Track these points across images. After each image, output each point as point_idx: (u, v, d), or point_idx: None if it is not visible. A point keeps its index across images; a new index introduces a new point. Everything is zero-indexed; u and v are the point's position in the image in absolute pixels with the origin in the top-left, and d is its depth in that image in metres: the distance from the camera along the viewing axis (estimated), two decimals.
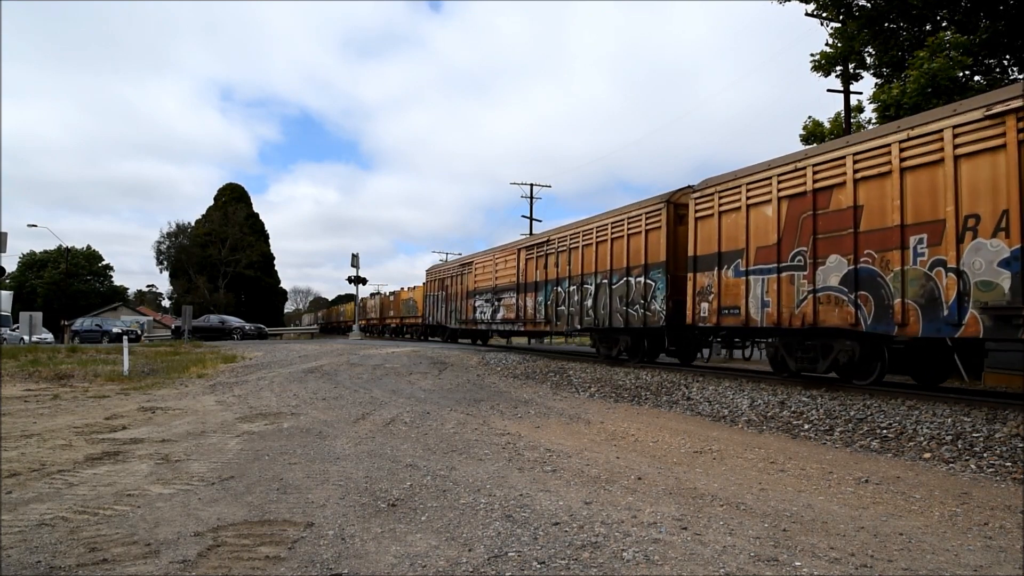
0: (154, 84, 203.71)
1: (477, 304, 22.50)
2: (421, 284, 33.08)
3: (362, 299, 48.68)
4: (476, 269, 22.73)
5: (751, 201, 10.67)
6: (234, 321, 38.11)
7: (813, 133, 21.70)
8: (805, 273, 9.55)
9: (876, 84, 17.59)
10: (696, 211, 12.04)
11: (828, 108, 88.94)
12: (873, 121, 17.70)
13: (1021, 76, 15.50)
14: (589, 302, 15.36)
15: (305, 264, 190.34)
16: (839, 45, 17.45)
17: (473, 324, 23.09)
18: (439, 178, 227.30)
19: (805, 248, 9.57)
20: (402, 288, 40.51)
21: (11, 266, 61.35)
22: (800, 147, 22.76)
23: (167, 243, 63.03)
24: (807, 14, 18.43)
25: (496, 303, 20.84)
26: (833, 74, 18.76)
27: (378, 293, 48.15)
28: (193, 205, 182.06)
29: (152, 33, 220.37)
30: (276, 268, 67.91)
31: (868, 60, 18.02)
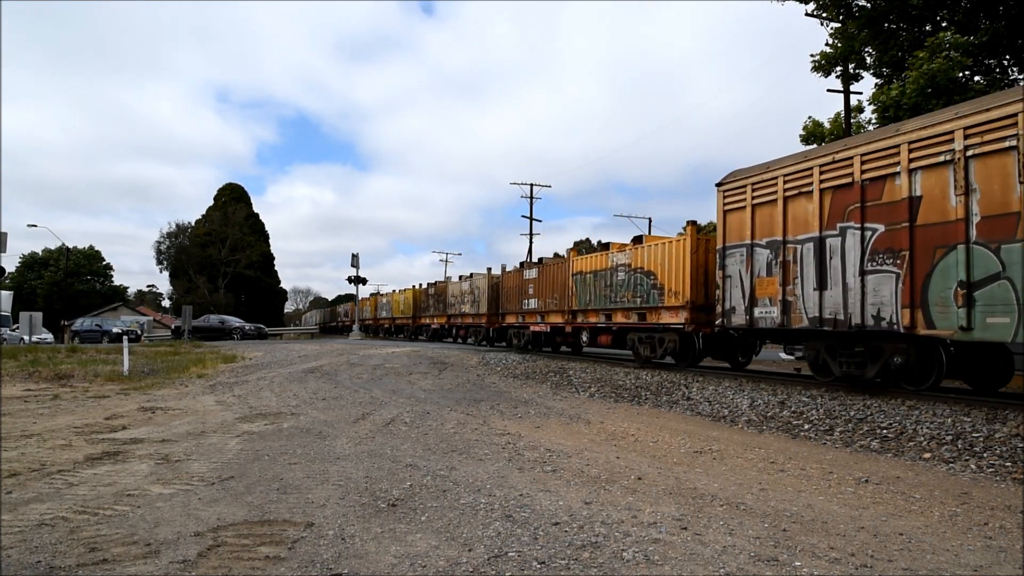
0: (151, 87, 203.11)
1: None
2: (661, 236, 15.72)
3: (436, 283, 31.31)
4: None
5: None
6: (234, 321, 38.12)
7: (813, 133, 21.71)
8: None
9: (876, 84, 17.61)
10: None
11: (826, 110, 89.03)
12: (873, 122, 17.71)
13: (1021, 76, 15.52)
14: None
15: (305, 264, 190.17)
16: (839, 45, 17.45)
17: None
18: (435, 179, 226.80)
19: None
20: (573, 250, 20.16)
21: (11, 266, 61.42)
22: (802, 148, 22.75)
23: (167, 243, 63.06)
24: (807, 14, 18.44)
25: None
26: (833, 74, 18.76)
27: (478, 274, 25.99)
28: (192, 205, 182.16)
29: (147, 36, 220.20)
30: (276, 268, 67.90)
31: (868, 60, 18.03)
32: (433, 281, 31.29)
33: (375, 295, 46.63)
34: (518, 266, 22.08)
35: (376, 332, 41.71)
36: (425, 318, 32.61)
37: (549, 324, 18.86)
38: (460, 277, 28.42)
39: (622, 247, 15.54)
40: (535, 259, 32.55)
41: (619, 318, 15.19)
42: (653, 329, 14.05)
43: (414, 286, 34.30)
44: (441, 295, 29.93)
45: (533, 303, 19.94)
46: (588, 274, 16.64)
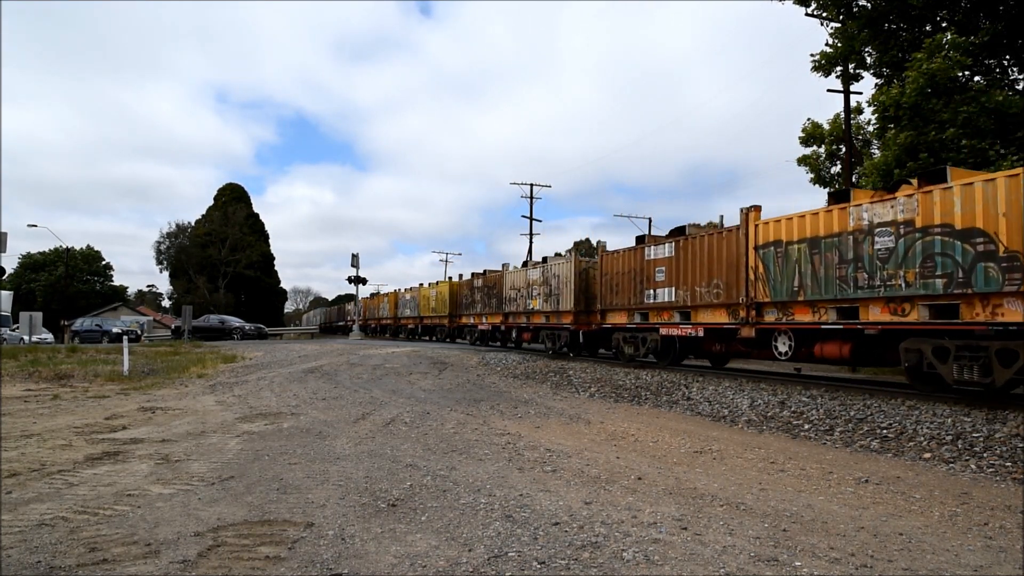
0: (151, 87, 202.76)
1: None
2: None
3: (485, 273, 24.75)
4: None
5: None
6: (234, 321, 38.09)
7: (812, 135, 21.72)
8: None
9: (876, 84, 17.63)
10: None
11: (826, 110, 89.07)
12: (873, 123, 17.73)
13: (1021, 76, 15.54)
14: None
15: (305, 264, 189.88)
16: (839, 45, 17.47)
17: None
18: (435, 179, 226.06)
19: None
20: (754, 208, 11.47)
21: (11, 266, 61.40)
22: (801, 149, 22.81)
23: (167, 243, 63.03)
24: (807, 14, 18.43)
25: None
26: (833, 74, 18.78)
27: (556, 259, 18.95)
28: (192, 205, 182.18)
29: (147, 36, 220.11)
30: (276, 268, 67.88)
31: (868, 60, 18.05)
32: (481, 271, 25.53)
33: (378, 293, 45.53)
34: (636, 241, 15.20)
35: (396, 333, 36.40)
36: (469, 317, 26.06)
37: (701, 325, 12.66)
38: (527, 263, 21.80)
39: (883, 196, 9.26)
40: (535, 259, 30.42)
41: (875, 314, 9.19)
42: (971, 333, 8.02)
43: (450, 278, 30.15)
44: (494, 288, 23.34)
45: (665, 294, 13.74)
46: (795, 245, 10.47)
